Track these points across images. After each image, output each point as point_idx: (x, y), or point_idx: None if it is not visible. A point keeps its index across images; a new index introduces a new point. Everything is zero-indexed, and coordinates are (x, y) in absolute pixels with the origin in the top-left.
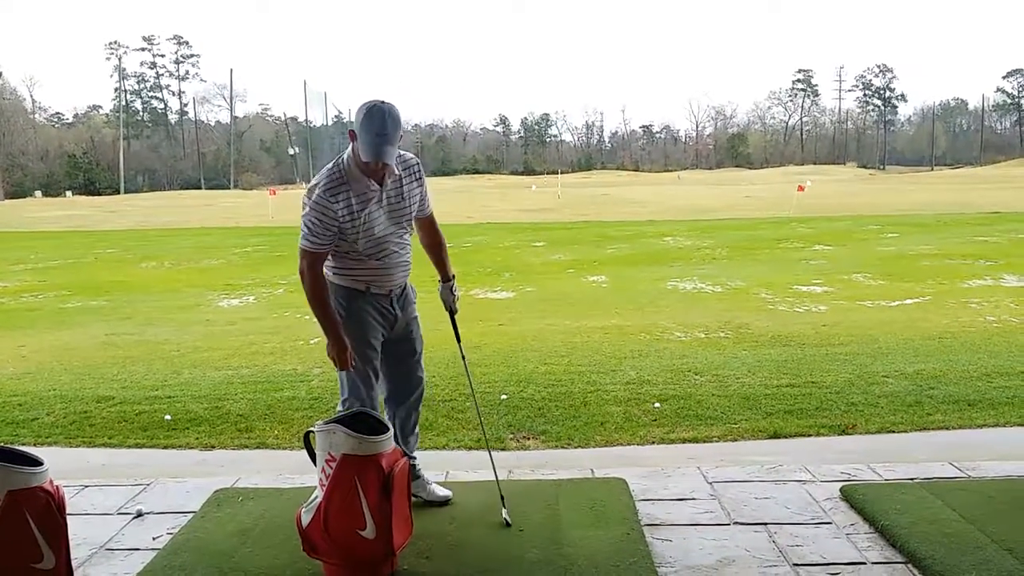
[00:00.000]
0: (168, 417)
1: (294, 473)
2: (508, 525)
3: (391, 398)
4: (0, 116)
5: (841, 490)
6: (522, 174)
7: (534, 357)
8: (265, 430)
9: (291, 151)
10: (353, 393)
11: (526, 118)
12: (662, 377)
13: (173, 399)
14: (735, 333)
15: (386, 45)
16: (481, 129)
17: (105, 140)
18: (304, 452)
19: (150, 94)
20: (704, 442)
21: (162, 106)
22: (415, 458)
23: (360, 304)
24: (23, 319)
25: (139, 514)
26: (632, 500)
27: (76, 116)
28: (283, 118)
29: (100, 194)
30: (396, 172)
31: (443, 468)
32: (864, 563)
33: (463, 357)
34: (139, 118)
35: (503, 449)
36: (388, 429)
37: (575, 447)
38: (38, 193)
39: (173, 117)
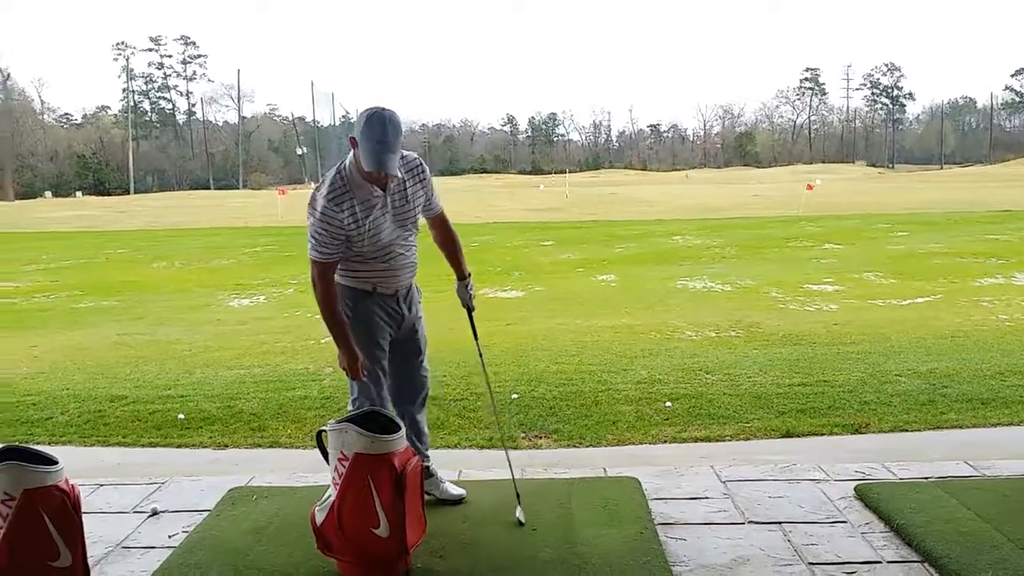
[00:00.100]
0: (181, 416)
1: (307, 472)
2: (522, 524)
3: (398, 398)
4: (9, 117)
5: (855, 489)
6: (530, 173)
7: (544, 356)
8: (278, 429)
9: (299, 151)
10: (363, 393)
11: (533, 117)
12: (673, 376)
13: (186, 398)
14: (746, 332)
15: (393, 45)
16: (488, 129)
17: (114, 141)
18: (317, 451)
19: (158, 95)
20: (717, 441)
21: (170, 106)
22: (428, 457)
23: (367, 304)
24: (35, 319)
25: (154, 512)
26: (645, 499)
27: (85, 117)
28: (291, 118)
29: (110, 194)
30: (399, 175)
31: (456, 467)
32: (880, 562)
33: (480, 355)
34: (147, 118)
35: (515, 448)
36: (400, 428)
37: (587, 446)
38: (48, 194)
39: (181, 117)
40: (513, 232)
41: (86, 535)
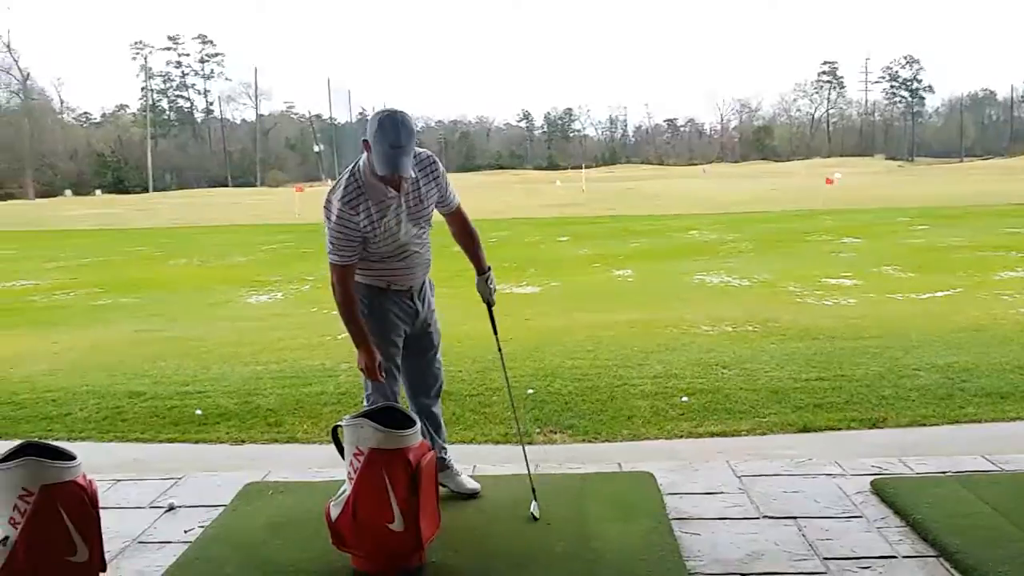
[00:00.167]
0: (199, 412)
1: (323, 467)
2: (536, 519)
3: (413, 391)
4: (29, 116)
5: (872, 484)
6: (546, 169)
7: (560, 351)
8: (294, 424)
9: (316, 148)
10: (377, 389)
11: (549, 113)
12: (689, 371)
13: (203, 394)
14: (763, 327)
15: (409, 42)
16: (505, 124)
17: (133, 139)
18: (332, 446)
19: (176, 93)
20: (733, 436)
21: (188, 105)
22: (446, 449)
23: (382, 302)
24: (56, 316)
25: (171, 507)
26: (660, 494)
27: (104, 116)
28: (308, 116)
29: (129, 192)
30: (412, 175)
31: (471, 462)
32: (895, 557)
33: (500, 350)
34: (166, 117)
35: (531, 443)
36: (415, 423)
37: (602, 441)
38: (68, 192)
39: (199, 116)
40: (529, 228)
41: (103, 530)
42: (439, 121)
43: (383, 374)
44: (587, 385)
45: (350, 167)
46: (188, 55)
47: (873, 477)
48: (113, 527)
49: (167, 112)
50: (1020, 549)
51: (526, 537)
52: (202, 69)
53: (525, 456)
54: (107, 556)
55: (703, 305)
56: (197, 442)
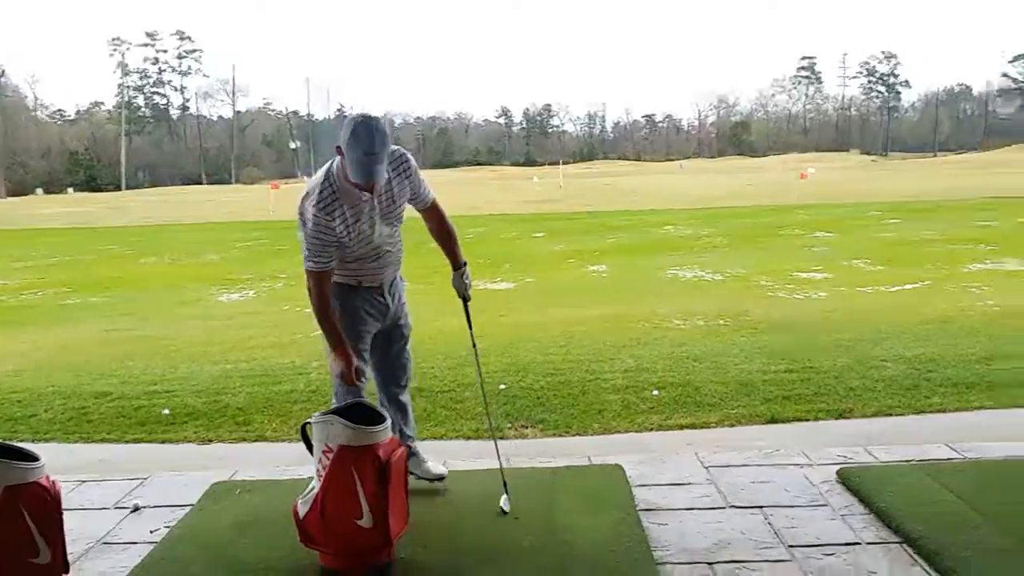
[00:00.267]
0: (166, 412)
1: (292, 465)
2: (505, 513)
3: (384, 382)
4: (2, 114)
5: (838, 473)
6: (524, 165)
7: (533, 347)
8: (263, 423)
9: (292, 145)
10: (345, 387)
11: (528, 109)
12: (661, 365)
13: (171, 394)
14: (734, 320)
15: (388, 38)
16: (484, 121)
17: (107, 136)
18: (302, 444)
19: (152, 90)
20: (702, 428)
21: (164, 102)
22: (413, 438)
23: (353, 299)
24: (23, 316)
25: (136, 508)
26: (629, 486)
27: (78, 113)
28: (285, 112)
29: (101, 191)
30: (386, 175)
31: (442, 458)
32: (859, 543)
33: (474, 345)
34: (141, 114)
35: (502, 438)
36: (385, 419)
37: (573, 435)
38: (39, 191)
39: (175, 112)
40: (506, 224)
41: (67, 531)
42: (418, 117)
43: (362, 380)
44: (559, 380)
45: (323, 172)
46: (166, 51)
47: (839, 466)
48: (77, 528)
49: (143, 109)
50: (982, 535)
51: (495, 532)
52: (179, 65)
53: (497, 451)
54: (71, 558)
55: (676, 300)
56: (164, 442)
